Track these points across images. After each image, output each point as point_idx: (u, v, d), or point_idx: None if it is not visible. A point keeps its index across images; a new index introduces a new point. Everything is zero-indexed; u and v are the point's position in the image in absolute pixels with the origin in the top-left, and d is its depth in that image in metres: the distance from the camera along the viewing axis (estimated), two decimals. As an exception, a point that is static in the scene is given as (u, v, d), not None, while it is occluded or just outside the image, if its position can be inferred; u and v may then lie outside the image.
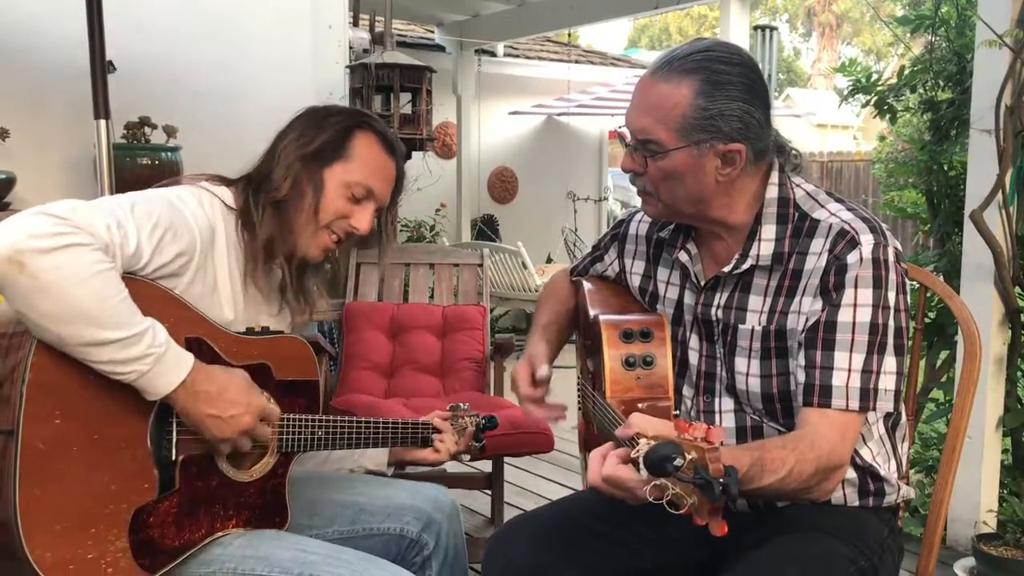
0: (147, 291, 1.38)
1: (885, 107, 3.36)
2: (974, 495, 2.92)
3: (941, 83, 3.26)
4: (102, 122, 2.63)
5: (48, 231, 1.25)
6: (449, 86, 7.88)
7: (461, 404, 1.85)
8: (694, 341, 1.55)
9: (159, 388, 1.35)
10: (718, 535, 1.02)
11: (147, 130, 3.18)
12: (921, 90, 3.30)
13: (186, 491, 1.44)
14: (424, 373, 3.19)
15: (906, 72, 3.30)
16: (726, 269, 1.48)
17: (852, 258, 1.37)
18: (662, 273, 1.63)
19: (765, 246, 1.45)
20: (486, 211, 8.86)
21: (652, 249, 1.66)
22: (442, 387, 3.18)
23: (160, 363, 1.34)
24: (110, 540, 1.35)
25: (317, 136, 1.59)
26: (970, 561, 2.80)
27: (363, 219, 1.61)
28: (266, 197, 1.56)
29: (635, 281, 1.68)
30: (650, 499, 1.06)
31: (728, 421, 1.50)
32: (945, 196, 3.30)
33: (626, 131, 1.45)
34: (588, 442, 1.69)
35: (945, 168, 3.28)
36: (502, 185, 9.08)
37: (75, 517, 1.32)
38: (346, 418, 1.65)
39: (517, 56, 8.98)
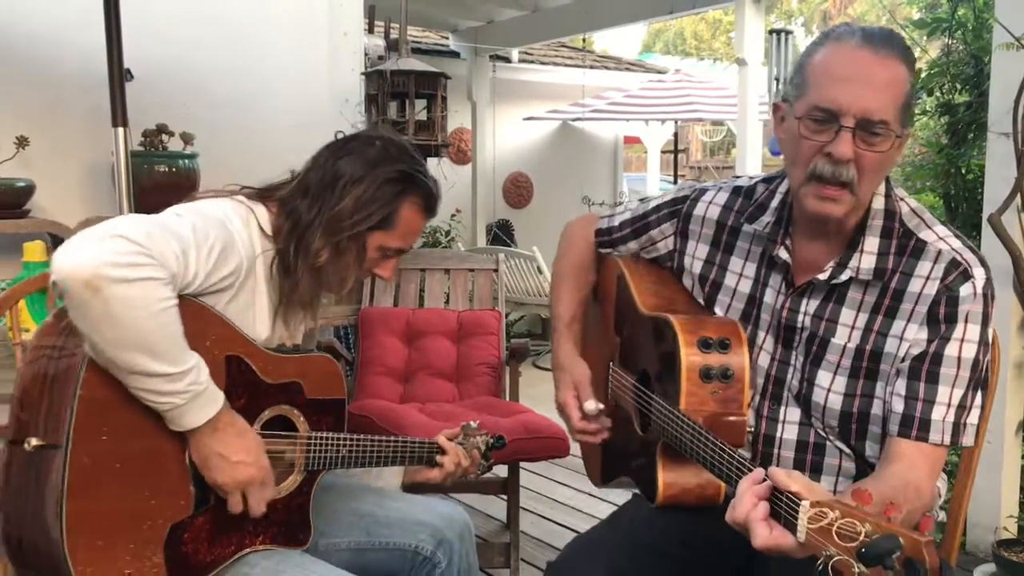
0: (189, 308, 1.38)
1: (902, 110, 3.34)
2: (994, 500, 2.91)
3: (958, 86, 3.25)
4: (120, 130, 2.65)
5: (127, 260, 1.26)
6: (464, 92, 7.90)
7: (471, 423, 1.85)
8: (768, 343, 1.47)
9: (187, 423, 1.36)
10: None
11: (164, 137, 3.20)
12: (938, 93, 3.29)
13: (219, 507, 1.45)
14: (439, 378, 3.20)
15: (923, 75, 3.28)
16: (822, 277, 1.40)
17: (965, 291, 1.32)
18: (735, 264, 1.54)
19: (867, 259, 1.38)
20: (501, 216, 8.86)
21: (725, 236, 1.56)
22: (457, 392, 3.18)
23: (195, 400, 1.35)
24: (147, 556, 1.36)
25: (372, 212, 1.58)
26: (990, 567, 2.78)
27: (389, 269, 1.68)
28: (305, 262, 1.56)
29: (696, 267, 1.59)
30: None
31: (790, 433, 1.44)
32: (963, 200, 3.28)
33: (844, 113, 1.28)
34: (614, 443, 1.64)
35: (963, 171, 3.26)
36: (517, 190, 9.08)
37: (116, 533, 1.33)
38: (367, 437, 1.67)
39: (532, 62, 8.98)
